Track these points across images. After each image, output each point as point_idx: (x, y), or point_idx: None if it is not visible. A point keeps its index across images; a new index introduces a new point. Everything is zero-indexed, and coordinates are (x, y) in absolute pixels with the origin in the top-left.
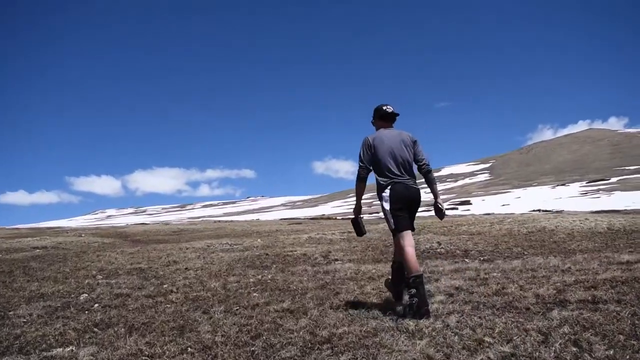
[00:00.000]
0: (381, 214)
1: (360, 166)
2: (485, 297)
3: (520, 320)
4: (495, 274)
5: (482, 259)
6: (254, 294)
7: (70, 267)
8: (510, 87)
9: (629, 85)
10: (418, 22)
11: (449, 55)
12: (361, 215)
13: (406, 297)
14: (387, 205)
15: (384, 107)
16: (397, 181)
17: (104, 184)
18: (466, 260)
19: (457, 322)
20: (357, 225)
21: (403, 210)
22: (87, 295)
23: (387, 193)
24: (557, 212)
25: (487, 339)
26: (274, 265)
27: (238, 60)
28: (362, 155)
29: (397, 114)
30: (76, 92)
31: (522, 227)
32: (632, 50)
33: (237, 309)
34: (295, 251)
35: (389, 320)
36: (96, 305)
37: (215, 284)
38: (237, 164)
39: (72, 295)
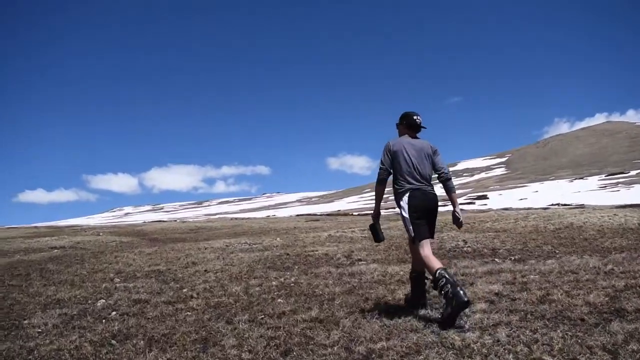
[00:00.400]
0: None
1: (380, 168)
2: (530, 304)
3: (579, 334)
4: (533, 276)
5: (513, 258)
6: (279, 300)
7: (87, 269)
8: (525, 81)
9: None
10: (430, 18)
11: (461, 51)
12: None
13: (439, 293)
14: (405, 213)
15: (415, 117)
16: (415, 187)
17: (121, 182)
18: (496, 260)
19: (508, 336)
20: (375, 231)
21: (422, 218)
22: (104, 301)
23: (405, 200)
24: (577, 206)
25: (546, 358)
26: (296, 267)
27: (252, 59)
28: (382, 158)
29: (425, 127)
30: (91, 91)
31: (548, 223)
32: None
33: (262, 318)
34: (317, 251)
35: (430, 333)
36: (114, 313)
37: (236, 288)
38: (252, 160)
39: (89, 302)
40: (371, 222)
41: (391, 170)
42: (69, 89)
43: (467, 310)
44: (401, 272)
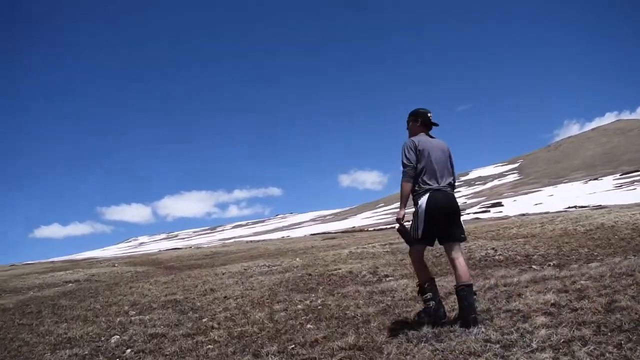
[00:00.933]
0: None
1: (407, 165)
2: (597, 314)
3: None
4: (584, 282)
5: (551, 264)
6: (309, 326)
7: (101, 302)
8: (531, 84)
9: None
10: (432, 23)
11: (465, 56)
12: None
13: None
14: (422, 213)
15: (429, 115)
16: (436, 188)
17: (135, 212)
18: (533, 267)
19: (590, 354)
20: (406, 233)
21: (436, 224)
22: (118, 337)
23: (424, 200)
24: (595, 207)
25: None
26: (320, 287)
27: (258, 78)
28: (407, 155)
29: (437, 124)
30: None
31: (577, 225)
32: None
33: (293, 348)
34: (340, 269)
35: (493, 356)
36: (128, 350)
37: (260, 314)
38: (263, 182)
39: (102, 339)
40: (397, 225)
41: (417, 167)
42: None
43: (527, 325)
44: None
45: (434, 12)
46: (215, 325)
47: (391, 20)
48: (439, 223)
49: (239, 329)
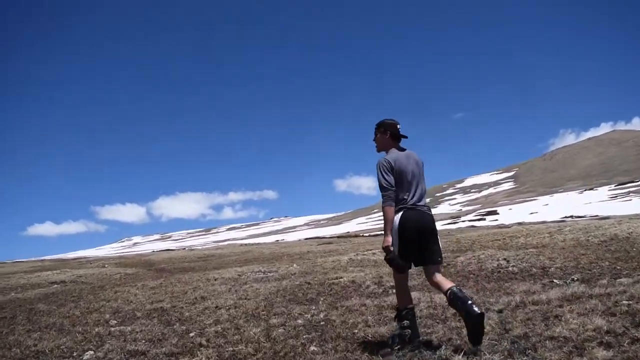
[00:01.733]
0: None
1: (386, 189)
2: None
3: None
4: (629, 302)
5: (574, 278)
6: (312, 348)
7: (82, 308)
8: (527, 93)
9: None
10: (429, 34)
11: (462, 63)
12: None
13: (396, 327)
14: (395, 235)
15: (399, 126)
16: (410, 207)
17: (129, 212)
18: (555, 281)
19: None
20: (396, 261)
21: (412, 243)
22: (92, 352)
23: (396, 221)
24: (592, 217)
25: None
26: (321, 298)
27: (253, 77)
28: (385, 177)
29: (406, 137)
30: (93, 120)
31: (588, 235)
32: None
33: None
34: (341, 278)
35: None
36: None
37: (255, 330)
38: (258, 185)
39: (75, 354)
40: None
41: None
42: (72, 122)
43: None
44: None
45: (432, 18)
46: (204, 343)
47: (389, 25)
48: (414, 243)
49: (231, 349)
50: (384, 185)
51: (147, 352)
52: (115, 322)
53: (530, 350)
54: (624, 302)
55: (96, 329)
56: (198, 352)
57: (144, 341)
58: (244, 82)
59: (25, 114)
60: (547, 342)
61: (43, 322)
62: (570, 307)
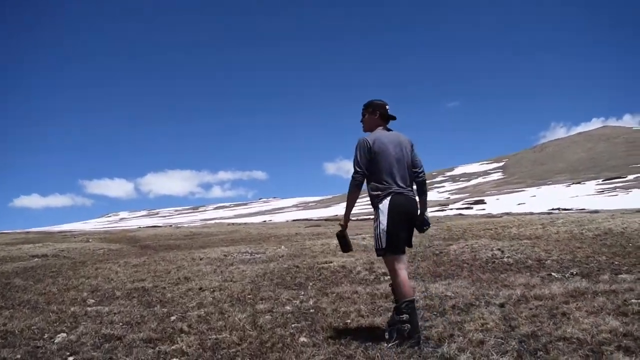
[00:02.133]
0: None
1: (356, 171)
2: None
3: None
4: (637, 300)
5: (573, 272)
6: (302, 339)
7: (60, 285)
8: (521, 86)
9: None
10: (427, 21)
11: (457, 54)
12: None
13: (396, 320)
14: (384, 220)
15: (387, 107)
16: (397, 192)
17: (117, 187)
18: (553, 274)
19: None
20: (344, 239)
21: (402, 227)
22: (65, 335)
23: (385, 204)
24: (578, 210)
25: None
26: (310, 283)
27: (246, 61)
28: (358, 158)
29: (395, 118)
30: (86, 95)
31: (582, 229)
32: None
33: None
34: (331, 262)
35: None
36: (71, 358)
37: (240, 315)
38: (248, 165)
39: (46, 336)
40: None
41: (367, 173)
42: (64, 94)
43: None
44: (449, 293)
45: (428, 9)
46: (185, 328)
47: (385, 15)
48: (404, 230)
49: (214, 336)
50: (356, 167)
51: (123, 336)
52: (93, 301)
53: (541, 352)
54: (633, 300)
55: (72, 309)
56: (178, 339)
57: (121, 324)
58: (238, 62)
59: (16, 86)
60: (559, 343)
61: (17, 299)
62: (577, 304)
